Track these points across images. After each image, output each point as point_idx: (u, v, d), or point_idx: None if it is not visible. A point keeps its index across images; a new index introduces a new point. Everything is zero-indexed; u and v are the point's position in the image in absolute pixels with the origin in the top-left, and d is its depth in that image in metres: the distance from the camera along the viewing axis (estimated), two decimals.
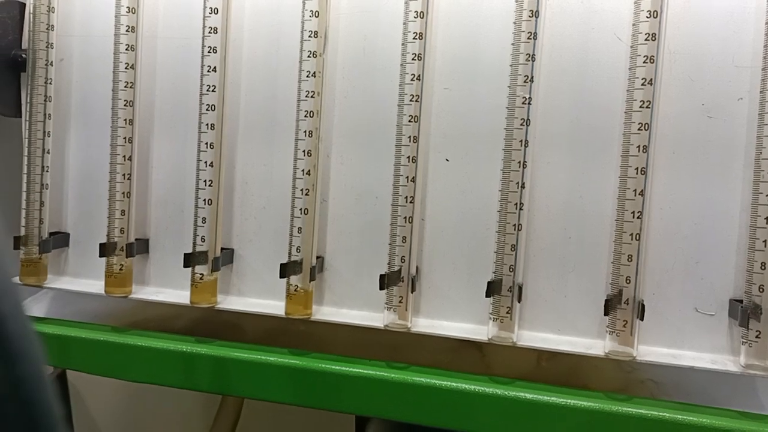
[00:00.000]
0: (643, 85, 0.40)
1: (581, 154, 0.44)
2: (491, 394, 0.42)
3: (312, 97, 0.45)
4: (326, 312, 0.48)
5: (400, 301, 0.45)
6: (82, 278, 0.53)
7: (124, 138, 0.49)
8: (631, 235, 0.41)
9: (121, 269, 0.49)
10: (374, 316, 0.46)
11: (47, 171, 0.52)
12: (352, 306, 0.48)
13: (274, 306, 0.48)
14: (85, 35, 0.52)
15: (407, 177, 0.44)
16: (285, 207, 0.46)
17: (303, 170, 0.45)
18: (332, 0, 0.46)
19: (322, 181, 0.47)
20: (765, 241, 0.40)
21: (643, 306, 0.41)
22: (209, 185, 0.47)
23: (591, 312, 0.44)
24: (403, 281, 0.44)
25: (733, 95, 0.42)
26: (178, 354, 0.47)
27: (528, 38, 0.42)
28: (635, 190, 0.41)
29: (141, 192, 0.51)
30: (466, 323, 0.46)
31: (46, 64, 0.51)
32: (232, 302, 0.49)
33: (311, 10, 0.45)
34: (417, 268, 0.46)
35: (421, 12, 0.43)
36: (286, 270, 0.45)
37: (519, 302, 0.43)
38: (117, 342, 0.48)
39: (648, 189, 0.41)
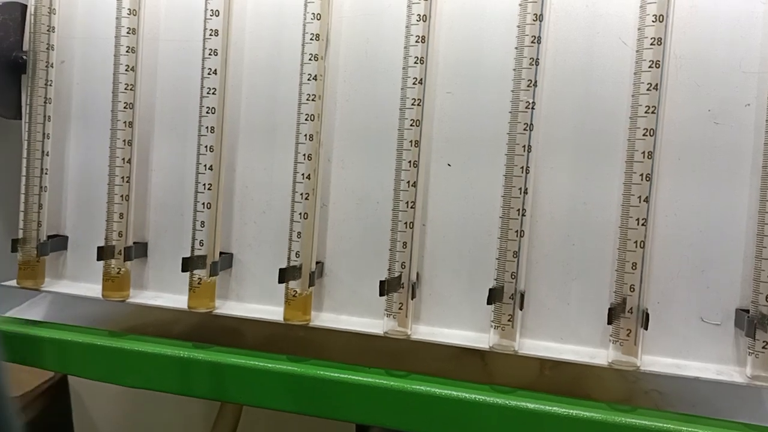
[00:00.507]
0: (648, 90, 0.40)
1: (585, 159, 0.43)
2: (492, 403, 0.42)
3: (313, 100, 0.45)
4: (325, 318, 0.47)
5: (400, 308, 0.44)
6: (81, 282, 0.52)
7: (124, 140, 0.49)
8: (636, 242, 0.40)
9: (119, 273, 0.49)
10: (374, 323, 0.46)
11: (46, 173, 0.51)
12: (351, 312, 0.47)
13: (273, 311, 0.47)
14: (86, 37, 0.52)
15: (408, 182, 0.44)
16: (285, 211, 0.46)
17: (303, 174, 0.45)
18: (334, 3, 0.46)
19: (322, 185, 0.47)
20: None
21: (647, 315, 0.40)
22: (209, 189, 0.47)
23: (594, 320, 0.43)
24: (403, 287, 0.44)
25: (740, 101, 0.41)
26: (175, 360, 0.46)
27: (532, 42, 0.41)
28: (640, 197, 0.40)
29: (140, 195, 0.51)
30: (467, 331, 0.45)
31: (47, 66, 0.51)
32: (230, 307, 0.49)
33: (313, 13, 0.45)
34: (418, 274, 0.45)
35: (424, 15, 0.43)
36: (285, 275, 0.45)
37: (521, 310, 0.43)
38: (113, 347, 0.48)
39: (653, 196, 0.40)
